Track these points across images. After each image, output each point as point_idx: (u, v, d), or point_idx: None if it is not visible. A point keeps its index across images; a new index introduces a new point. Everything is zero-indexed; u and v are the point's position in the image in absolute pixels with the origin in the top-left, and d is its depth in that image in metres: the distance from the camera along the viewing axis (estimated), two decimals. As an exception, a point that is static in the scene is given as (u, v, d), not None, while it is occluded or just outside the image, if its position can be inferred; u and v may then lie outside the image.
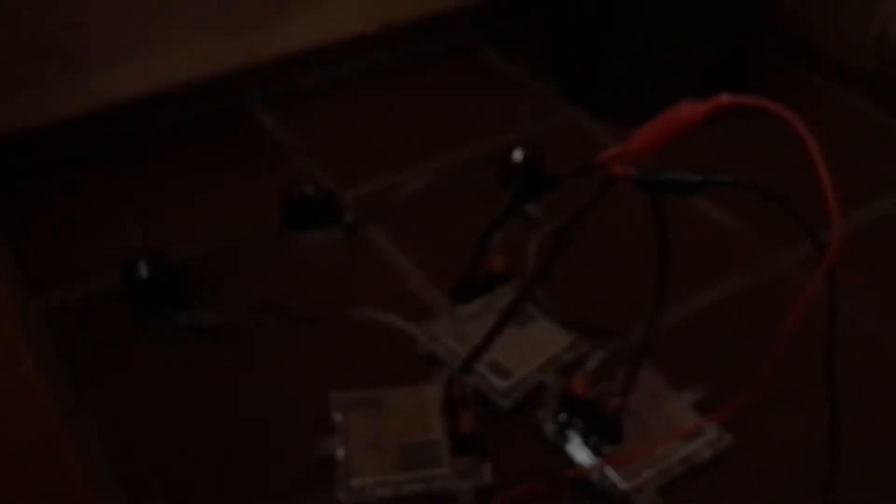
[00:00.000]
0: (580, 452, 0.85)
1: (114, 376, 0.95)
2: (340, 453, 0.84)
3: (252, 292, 1.03)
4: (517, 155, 1.12)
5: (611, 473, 0.82)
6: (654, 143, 0.71)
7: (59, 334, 0.98)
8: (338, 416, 0.87)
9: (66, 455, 0.59)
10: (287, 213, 1.09)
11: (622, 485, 0.82)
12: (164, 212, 1.15)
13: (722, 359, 0.96)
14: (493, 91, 1.38)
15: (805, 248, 1.07)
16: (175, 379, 0.95)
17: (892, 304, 1.03)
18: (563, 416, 0.86)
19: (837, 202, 0.62)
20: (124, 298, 1.01)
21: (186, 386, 0.94)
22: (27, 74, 1.16)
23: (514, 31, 1.50)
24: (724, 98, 0.68)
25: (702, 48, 1.28)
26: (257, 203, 1.15)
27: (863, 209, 1.15)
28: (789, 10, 1.46)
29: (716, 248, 1.11)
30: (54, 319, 1.00)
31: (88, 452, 0.86)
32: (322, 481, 0.83)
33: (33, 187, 1.18)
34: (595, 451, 0.84)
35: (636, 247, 1.06)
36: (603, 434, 0.84)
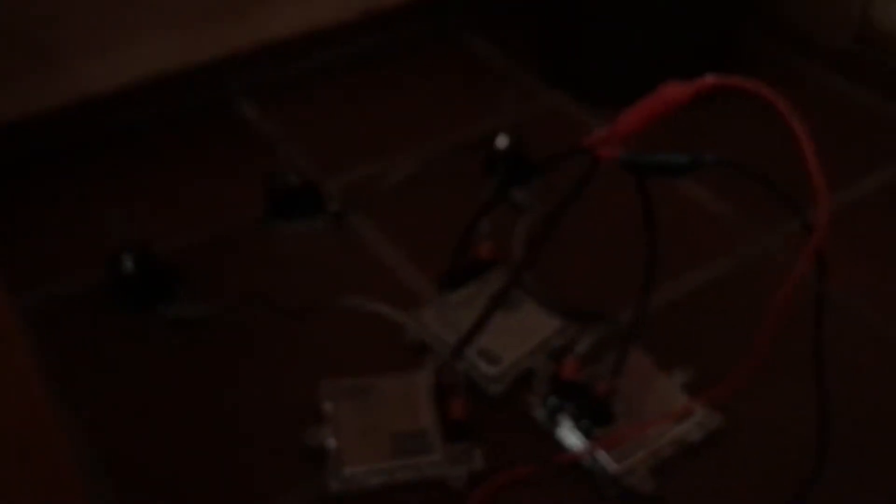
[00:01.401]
0: (571, 436, 0.85)
1: (100, 372, 0.94)
2: (331, 442, 0.84)
3: (238, 284, 1.03)
4: (502, 141, 1.12)
5: (602, 456, 0.83)
6: (639, 125, 0.71)
7: (42, 332, 0.97)
8: (328, 405, 0.87)
9: (61, 449, 0.59)
10: (271, 204, 1.09)
11: (613, 467, 0.82)
12: (146, 205, 1.14)
13: (710, 340, 0.96)
14: (475, 77, 1.38)
15: (789, 227, 1.08)
16: (162, 373, 0.94)
17: (877, 283, 1.04)
18: (553, 401, 0.87)
19: (824, 181, 0.63)
20: (109, 293, 1.00)
21: (173, 379, 0.93)
22: (3, 69, 1.15)
23: (496, 17, 1.49)
24: (709, 79, 0.68)
25: (684, 31, 1.28)
26: (241, 194, 1.14)
27: (845, 190, 1.16)
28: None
29: (701, 229, 1.11)
30: (37, 317, 0.99)
31: (76, 450, 0.86)
32: (313, 471, 0.83)
33: (12, 183, 1.17)
34: (586, 434, 0.84)
35: (622, 230, 1.07)
36: (593, 417, 0.84)
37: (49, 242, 1.09)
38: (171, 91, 1.27)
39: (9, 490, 0.54)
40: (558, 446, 0.86)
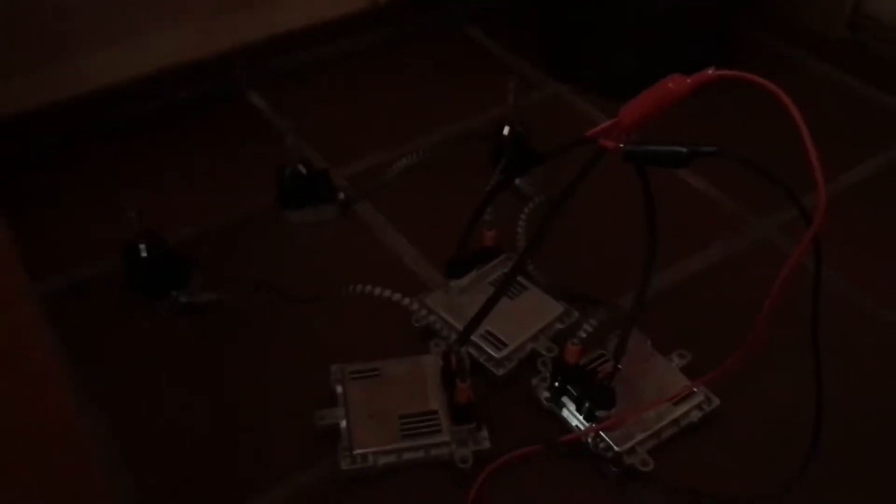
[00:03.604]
0: (574, 418, 0.88)
1: (114, 359, 0.96)
2: (342, 424, 0.86)
3: (249, 271, 1.05)
4: (506, 131, 1.14)
5: (604, 437, 0.85)
6: (642, 116, 0.73)
7: (56, 320, 0.99)
8: (338, 388, 0.89)
9: (83, 442, 0.59)
10: (281, 193, 1.11)
11: (615, 448, 0.84)
12: (158, 194, 1.15)
13: (708, 324, 0.98)
14: (479, 67, 1.40)
15: (785, 214, 1.11)
16: (176, 359, 0.96)
17: (871, 269, 1.06)
18: (556, 383, 0.89)
19: (822, 171, 0.65)
20: (122, 281, 1.02)
21: (187, 366, 0.96)
22: (19, 59, 1.16)
23: (500, 9, 1.51)
24: (710, 71, 0.70)
25: (681, 21, 1.30)
26: (251, 183, 1.16)
27: (840, 176, 1.19)
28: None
29: (699, 216, 1.13)
30: (52, 305, 1.01)
31: (92, 435, 0.88)
32: (325, 452, 0.86)
33: (26, 172, 1.19)
34: (588, 416, 0.87)
35: (622, 217, 1.09)
36: (595, 399, 0.86)
37: (63, 230, 1.11)
38: (182, 82, 1.29)
39: (29, 482, 0.55)
40: (562, 427, 0.88)
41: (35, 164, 1.20)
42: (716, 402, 0.89)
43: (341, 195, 1.12)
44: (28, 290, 0.56)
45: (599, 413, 0.86)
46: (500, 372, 0.92)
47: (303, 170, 1.09)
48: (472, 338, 0.92)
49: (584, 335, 0.91)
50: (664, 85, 0.72)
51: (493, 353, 0.92)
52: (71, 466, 0.57)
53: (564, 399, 0.89)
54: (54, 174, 1.19)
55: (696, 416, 0.88)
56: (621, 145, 0.74)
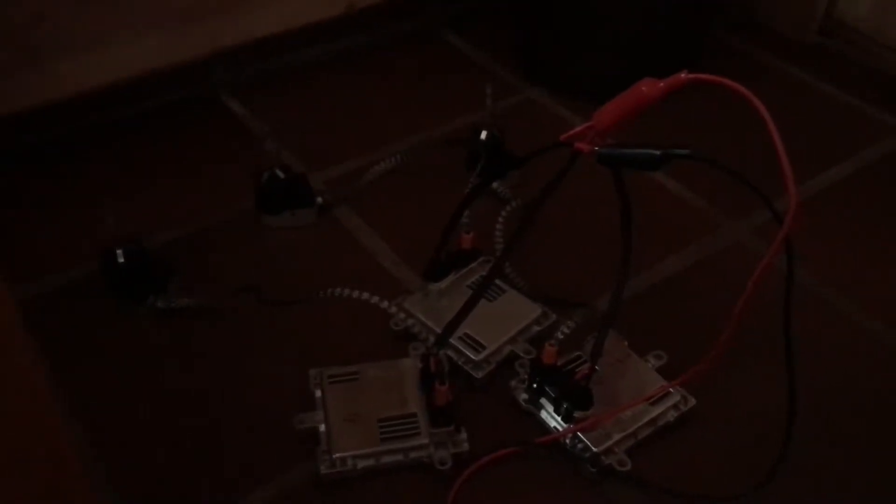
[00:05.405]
0: (552, 419, 0.88)
1: (93, 364, 0.96)
2: (321, 428, 0.86)
3: (228, 275, 1.05)
4: (483, 135, 1.15)
5: (581, 438, 0.86)
6: (616, 120, 0.74)
7: (35, 324, 0.98)
8: (317, 392, 0.89)
9: (65, 444, 0.59)
10: (259, 197, 1.11)
11: (593, 448, 0.85)
12: (136, 199, 1.15)
13: (684, 325, 0.99)
14: (455, 72, 1.40)
15: (758, 217, 1.12)
16: (155, 364, 0.96)
17: (844, 270, 1.08)
18: (534, 385, 0.90)
19: (792, 173, 0.66)
20: (101, 286, 1.02)
21: (167, 370, 0.95)
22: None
23: (475, 14, 1.52)
24: (683, 75, 0.71)
25: (655, 25, 1.31)
26: (229, 187, 1.16)
27: (812, 179, 1.20)
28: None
29: (674, 218, 1.15)
30: (30, 309, 1.01)
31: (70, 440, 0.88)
32: (305, 456, 0.86)
33: (6, 177, 1.18)
34: (566, 416, 0.87)
35: (598, 220, 1.10)
36: (573, 400, 0.87)
37: (41, 236, 1.11)
38: (160, 87, 1.29)
39: (12, 483, 0.55)
40: (540, 428, 0.89)
41: (12, 169, 1.19)
42: (692, 401, 0.90)
43: (319, 199, 1.12)
44: (8, 295, 0.56)
45: (577, 414, 0.87)
46: (479, 374, 0.92)
47: (281, 174, 1.09)
48: (451, 340, 0.92)
49: (561, 337, 0.92)
50: (638, 88, 0.73)
51: (471, 356, 0.93)
52: (54, 464, 0.57)
53: (542, 400, 0.89)
54: (32, 179, 1.19)
55: (672, 415, 0.89)
56: (596, 148, 0.75)
